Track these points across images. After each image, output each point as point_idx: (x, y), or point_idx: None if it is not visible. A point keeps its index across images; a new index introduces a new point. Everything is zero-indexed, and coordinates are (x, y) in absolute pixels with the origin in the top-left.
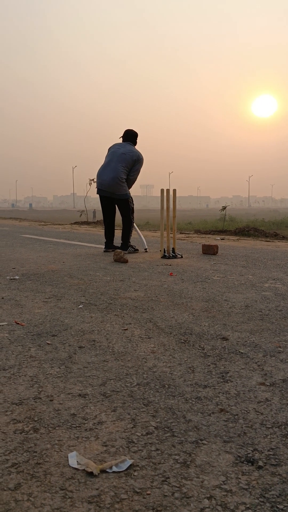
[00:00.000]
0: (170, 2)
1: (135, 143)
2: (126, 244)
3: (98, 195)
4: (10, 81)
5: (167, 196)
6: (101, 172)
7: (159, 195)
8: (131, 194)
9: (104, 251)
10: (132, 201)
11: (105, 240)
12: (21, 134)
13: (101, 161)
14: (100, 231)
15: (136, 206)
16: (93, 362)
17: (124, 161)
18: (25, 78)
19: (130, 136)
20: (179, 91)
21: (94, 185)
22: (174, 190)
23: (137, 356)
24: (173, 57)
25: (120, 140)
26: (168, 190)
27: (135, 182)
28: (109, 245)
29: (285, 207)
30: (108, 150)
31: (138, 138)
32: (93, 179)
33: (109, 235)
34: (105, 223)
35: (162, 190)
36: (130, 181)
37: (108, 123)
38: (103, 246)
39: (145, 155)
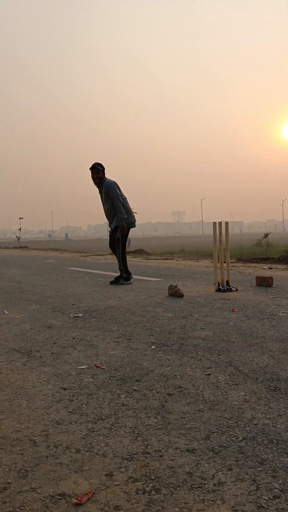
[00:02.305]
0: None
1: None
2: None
3: (128, 226)
4: (49, 113)
5: (220, 229)
6: (130, 209)
7: (190, 221)
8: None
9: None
10: None
11: (125, 275)
12: (53, 166)
13: (136, 190)
14: (141, 262)
15: (169, 233)
16: (188, 412)
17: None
18: (66, 112)
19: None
20: (209, 111)
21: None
22: (227, 223)
23: (231, 405)
24: (204, 73)
25: (90, 172)
26: (220, 223)
27: (122, 205)
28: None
29: None
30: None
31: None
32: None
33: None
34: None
35: (214, 224)
36: (118, 207)
37: (138, 147)
38: (152, 279)
39: (176, 181)
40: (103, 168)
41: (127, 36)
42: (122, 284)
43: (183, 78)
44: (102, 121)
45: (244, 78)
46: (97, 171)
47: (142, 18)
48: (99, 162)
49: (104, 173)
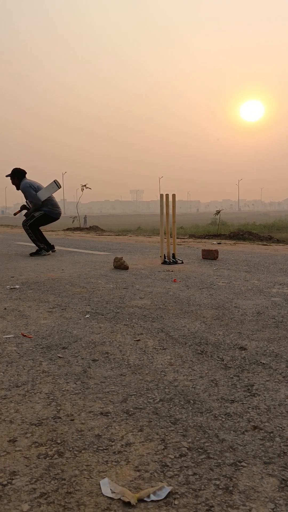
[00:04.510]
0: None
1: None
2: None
3: (53, 217)
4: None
5: (167, 202)
6: (56, 203)
7: (149, 200)
8: None
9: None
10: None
11: (44, 245)
12: (10, 139)
13: (94, 166)
14: (94, 237)
15: (126, 211)
16: (110, 376)
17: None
18: (16, 78)
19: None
20: (167, 95)
21: (86, 191)
22: (174, 196)
23: (154, 369)
24: (163, 56)
25: (8, 179)
26: (167, 195)
27: (36, 202)
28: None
29: (275, 210)
30: (34, 185)
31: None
32: (85, 185)
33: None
34: (41, 234)
35: (161, 196)
36: (35, 204)
37: (96, 128)
38: (100, 253)
39: (135, 160)
40: (17, 174)
41: None
42: (44, 255)
43: (139, 42)
44: (57, 89)
45: (204, 55)
46: (12, 178)
47: None
48: (14, 168)
49: (20, 177)
